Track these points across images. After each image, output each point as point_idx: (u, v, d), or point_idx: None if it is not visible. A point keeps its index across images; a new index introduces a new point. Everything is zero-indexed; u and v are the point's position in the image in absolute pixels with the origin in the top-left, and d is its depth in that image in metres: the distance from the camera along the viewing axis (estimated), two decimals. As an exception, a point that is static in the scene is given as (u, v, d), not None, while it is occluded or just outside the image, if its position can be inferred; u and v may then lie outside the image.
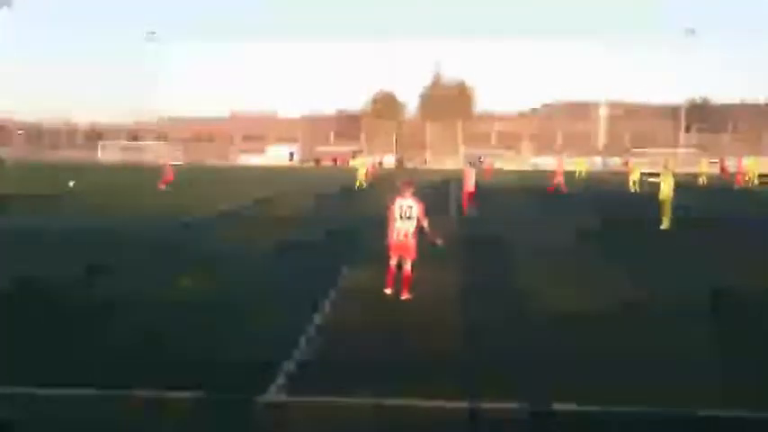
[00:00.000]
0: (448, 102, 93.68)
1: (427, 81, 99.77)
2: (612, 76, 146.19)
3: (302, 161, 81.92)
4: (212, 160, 77.74)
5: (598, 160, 71.25)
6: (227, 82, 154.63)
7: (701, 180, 46.38)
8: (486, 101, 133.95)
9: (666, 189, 20.41)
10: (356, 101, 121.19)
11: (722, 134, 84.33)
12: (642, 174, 41.39)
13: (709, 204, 30.57)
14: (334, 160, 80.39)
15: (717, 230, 21.47)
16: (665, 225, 20.17)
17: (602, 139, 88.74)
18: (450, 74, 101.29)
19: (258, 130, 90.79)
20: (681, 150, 77.52)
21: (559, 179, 38.13)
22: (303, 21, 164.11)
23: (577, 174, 54.46)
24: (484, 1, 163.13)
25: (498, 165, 71.54)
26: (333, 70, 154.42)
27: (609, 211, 26.73)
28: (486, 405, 6.85)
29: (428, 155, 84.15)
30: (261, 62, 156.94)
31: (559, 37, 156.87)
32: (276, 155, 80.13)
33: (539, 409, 6.77)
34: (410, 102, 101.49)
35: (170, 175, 36.96)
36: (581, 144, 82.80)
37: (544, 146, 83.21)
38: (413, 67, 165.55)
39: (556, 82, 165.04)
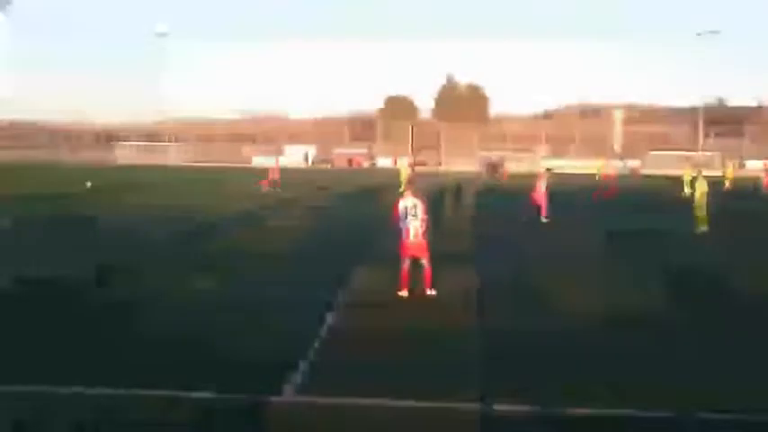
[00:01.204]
0: (462, 104, 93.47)
1: (441, 83, 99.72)
2: (627, 78, 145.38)
3: (318, 162, 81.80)
4: (227, 161, 77.88)
5: (617, 163, 70.43)
6: (239, 82, 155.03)
7: (726, 184, 45.32)
8: (500, 103, 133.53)
9: (701, 193, 20.45)
10: (369, 103, 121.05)
11: (740, 137, 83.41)
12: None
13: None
14: (350, 161, 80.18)
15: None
16: (702, 229, 20.15)
17: (618, 142, 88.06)
18: (465, 76, 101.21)
19: (271, 132, 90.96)
20: (699, 153, 76.66)
21: (610, 184, 36.76)
22: (316, 22, 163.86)
23: (597, 176, 53.81)
24: (498, 3, 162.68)
25: (513, 167, 71.01)
26: (346, 72, 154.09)
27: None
28: (499, 407, 6.83)
29: (442, 157, 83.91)
30: (273, 63, 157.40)
31: (574, 39, 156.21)
32: (292, 156, 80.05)
33: (551, 413, 6.74)
34: (424, 104, 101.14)
35: (276, 175, 37.09)
36: (596, 146, 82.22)
37: (559, 148, 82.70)
38: (427, 69, 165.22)
39: (570, 84, 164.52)
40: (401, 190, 35.64)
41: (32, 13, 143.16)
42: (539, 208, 22.88)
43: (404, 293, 11.12)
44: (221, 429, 6.54)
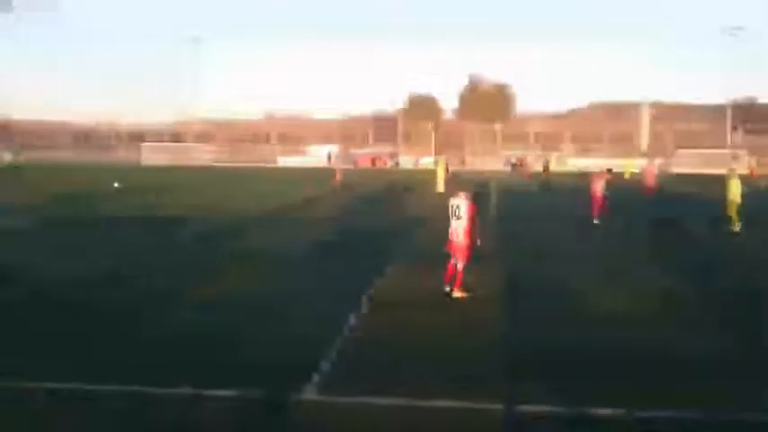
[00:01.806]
0: (486, 103, 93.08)
1: (465, 82, 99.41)
2: (653, 76, 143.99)
3: (341, 162, 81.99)
4: (252, 161, 78.40)
5: (643, 162, 69.56)
6: (264, 83, 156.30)
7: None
8: (524, 102, 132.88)
9: (735, 192, 20.17)
10: (393, 102, 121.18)
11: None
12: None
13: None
14: (373, 161, 79.95)
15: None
16: (736, 228, 19.85)
17: (644, 140, 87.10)
18: (489, 75, 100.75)
19: (295, 132, 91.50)
20: (727, 151, 75.50)
21: (651, 183, 36.09)
22: (341, 22, 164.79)
23: (627, 176, 53.15)
24: (522, 2, 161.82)
25: (538, 167, 70.59)
26: (370, 71, 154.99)
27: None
28: (523, 408, 6.75)
29: (467, 156, 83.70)
30: (298, 63, 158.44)
31: (598, 37, 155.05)
32: (317, 156, 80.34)
33: (575, 414, 6.65)
34: (448, 103, 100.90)
35: (340, 175, 40.58)
36: (623, 145, 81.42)
37: (585, 147, 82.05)
38: (450, 68, 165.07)
39: (595, 83, 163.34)
40: (438, 189, 34.94)
41: (60, 16, 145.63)
42: (601, 209, 21.95)
43: (458, 294, 11.01)
44: (245, 428, 6.54)
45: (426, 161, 38.11)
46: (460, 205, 11.00)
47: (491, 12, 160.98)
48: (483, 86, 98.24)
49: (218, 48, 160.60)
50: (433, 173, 40.61)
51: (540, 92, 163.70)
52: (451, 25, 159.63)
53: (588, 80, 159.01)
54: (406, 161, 79.38)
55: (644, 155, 76.51)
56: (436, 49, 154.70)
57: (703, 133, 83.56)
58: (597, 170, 24.56)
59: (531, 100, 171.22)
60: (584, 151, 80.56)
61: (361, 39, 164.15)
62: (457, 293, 10.99)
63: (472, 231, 11.04)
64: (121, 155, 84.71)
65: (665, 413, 6.60)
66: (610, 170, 25.01)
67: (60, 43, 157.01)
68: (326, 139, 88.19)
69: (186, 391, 7.02)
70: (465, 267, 11.04)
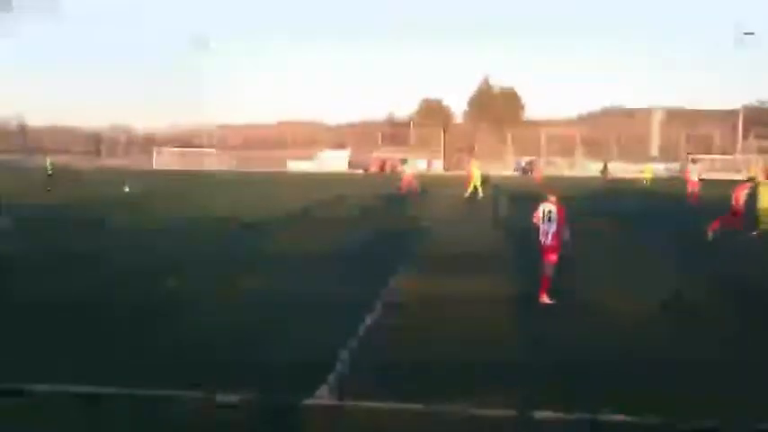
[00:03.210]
0: (496, 107, 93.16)
1: (475, 87, 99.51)
2: (663, 81, 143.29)
3: (353, 167, 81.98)
4: (265, 167, 78.55)
5: (659, 167, 69.27)
6: (276, 88, 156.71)
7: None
8: (535, 107, 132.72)
9: (765, 199, 19.78)
10: (405, 107, 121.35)
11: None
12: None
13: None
14: (382, 167, 79.18)
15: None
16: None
17: (655, 145, 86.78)
18: (499, 79, 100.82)
19: (307, 137, 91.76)
20: (739, 156, 75.19)
21: (694, 188, 33.94)
22: (352, 26, 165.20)
23: (646, 181, 52.96)
24: (532, 6, 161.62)
25: (550, 171, 70.47)
26: (382, 76, 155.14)
27: None
28: (542, 414, 6.79)
29: (473, 161, 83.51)
30: (310, 68, 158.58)
31: (608, 42, 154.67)
32: (328, 161, 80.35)
33: (593, 419, 6.69)
34: (458, 107, 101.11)
35: (411, 179, 39.75)
36: (635, 150, 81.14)
37: (595, 152, 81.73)
38: (461, 72, 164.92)
39: (605, 88, 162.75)
40: (470, 193, 34.79)
41: (70, 18, 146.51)
42: (737, 221, 19.57)
43: (545, 300, 11.21)
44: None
45: (476, 165, 37.87)
46: (552, 209, 11.26)
47: (502, 16, 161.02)
48: (493, 91, 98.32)
49: (232, 52, 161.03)
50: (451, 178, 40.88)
51: (552, 97, 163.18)
52: (463, 30, 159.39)
53: (598, 85, 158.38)
54: (419, 165, 79.17)
55: (654, 159, 76.19)
56: (447, 54, 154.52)
57: (714, 138, 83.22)
58: (743, 179, 22.46)
59: (542, 105, 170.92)
60: (593, 156, 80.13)
61: (372, 44, 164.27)
62: (545, 299, 11.17)
63: (561, 236, 11.31)
64: (135, 160, 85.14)
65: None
66: (752, 179, 21.76)
67: (71, 46, 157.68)
68: (338, 144, 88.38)
69: (197, 394, 7.13)
70: (551, 272, 11.25)
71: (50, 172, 47.25)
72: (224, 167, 78.70)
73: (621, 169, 68.94)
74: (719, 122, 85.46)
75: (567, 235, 11.41)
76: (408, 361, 8.31)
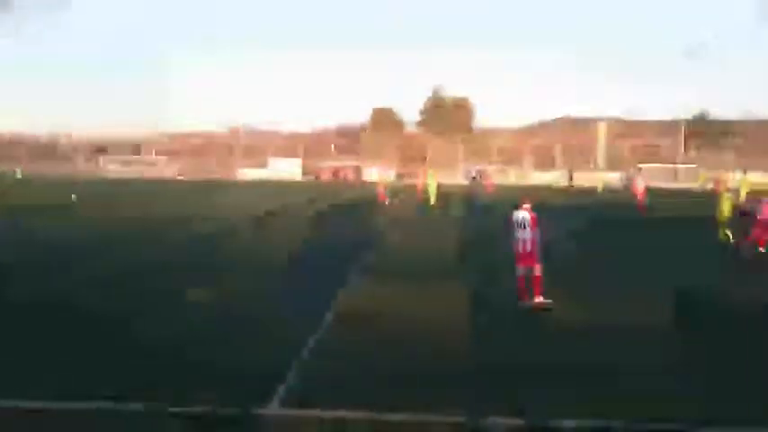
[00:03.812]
0: (448, 116, 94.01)
1: (427, 95, 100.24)
2: (611, 92, 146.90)
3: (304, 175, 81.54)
4: (214, 174, 77.50)
5: (612, 176, 70.90)
6: (227, 96, 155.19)
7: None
8: (486, 116, 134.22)
9: (727, 208, 20.56)
10: (357, 115, 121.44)
11: (722, 149, 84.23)
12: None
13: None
14: (335, 174, 79.28)
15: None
16: (726, 238, 20.34)
17: (602, 155, 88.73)
18: (451, 88, 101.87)
19: (259, 144, 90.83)
20: (681, 165, 77.63)
21: (640, 197, 35.60)
22: (304, 35, 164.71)
23: (600, 190, 54.12)
24: (484, 16, 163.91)
25: (500, 180, 71.32)
26: (334, 84, 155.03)
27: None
28: (492, 421, 6.90)
29: (426, 170, 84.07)
30: (261, 76, 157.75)
31: (558, 53, 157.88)
32: (278, 169, 79.75)
33: (540, 426, 6.83)
34: (410, 116, 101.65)
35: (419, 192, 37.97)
36: (582, 159, 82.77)
37: (545, 162, 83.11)
38: (413, 80, 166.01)
39: (555, 98, 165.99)
40: (432, 203, 35.46)
41: (24, 23, 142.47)
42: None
43: (539, 299, 11.66)
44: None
45: (431, 174, 38.34)
46: (526, 217, 11.78)
47: (453, 26, 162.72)
48: (445, 99, 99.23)
49: (181, 58, 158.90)
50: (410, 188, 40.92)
51: (502, 106, 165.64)
52: (414, 39, 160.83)
53: (547, 95, 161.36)
54: (370, 174, 79.21)
55: (601, 169, 77.92)
56: (399, 63, 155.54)
57: (658, 148, 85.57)
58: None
59: (494, 114, 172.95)
60: (542, 165, 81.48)
61: (324, 52, 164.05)
62: (539, 299, 11.61)
63: (537, 241, 11.83)
64: (80, 167, 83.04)
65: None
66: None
67: (12, 50, 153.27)
68: (290, 152, 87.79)
69: (145, 407, 7.05)
70: (541, 273, 11.73)
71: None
72: (172, 175, 77.43)
73: (574, 178, 70.36)
74: (663, 133, 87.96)
75: (539, 241, 11.91)
76: (359, 371, 8.35)
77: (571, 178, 59.91)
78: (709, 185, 23.61)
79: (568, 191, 55.25)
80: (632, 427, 6.75)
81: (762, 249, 18.65)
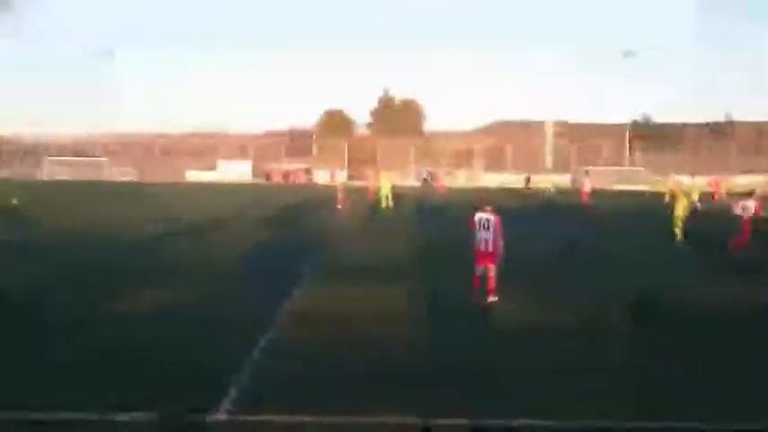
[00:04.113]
0: (398, 118, 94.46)
1: (378, 98, 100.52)
2: (560, 94, 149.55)
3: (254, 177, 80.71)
4: (163, 177, 76.05)
5: (562, 178, 72.21)
6: (176, 97, 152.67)
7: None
8: (436, 118, 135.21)
9: (682, 207, 21.63)
10: (307, 117, 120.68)
11: (665, 152, 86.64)
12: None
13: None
14: (286, 176, 78.77)
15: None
16: (679, 238, 21.32)
17: (549, 157, 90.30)
18: (401, 90, 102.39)
19: (208, 147, 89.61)
20: (625, 168, 79.68)
21: (587, 199, 37.70)
22: (253, 35, 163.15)
23: (548, 191, 54.96)
24: (434, 18, 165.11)
25: (450, 183, 71.98)
26: (285, 86, 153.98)
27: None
28: (441, 421, 6.94)
29: (378, 172, 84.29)
30: (211, 77, 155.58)
31: (507, 55, 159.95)
32: (228, 171, 78.81)
33: (494, 426, 6.90)
34: (361, 118, 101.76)
35: (371, 194, 36.64)
36: (530, 161, 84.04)
37: (494, 164, 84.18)
38: (363, 83, 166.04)
39: (505, 101, 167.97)
40: (386, 204, 35.33)
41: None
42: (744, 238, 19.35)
43: (492, 299, 12.09)
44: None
45: (387, 175, 38.35)
46: (489, 219, 12.14)
47: (402, 28, 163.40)
48: (395, 102, 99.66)
49: (130, 59, 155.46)
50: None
51: (452, 109, 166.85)
52: (364, 40, 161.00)
53: (495, 98, 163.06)
54: (322, 176, 79.00)
55: (549, 171, 79.33)
56: (349, 64, 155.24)
57: (603, 151, 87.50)
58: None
59: (444, 117, 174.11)
60: (491, 167, 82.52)
61: (273, 53, 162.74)
62: (492, 298, 12.04)
63: (498, 243, 12.18)
64: (18, 170, 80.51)
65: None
66: (752, 192, 21.17)
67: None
68: (240, 154, 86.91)
69: (94, 415, 6.89)
70: (496, 273, 12.17)
71: None
72: (120, 178, 75.81)
73: (518, 180, 71.30)
74: (608, 136, 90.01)
75: (501, 242, 12.26)
76: (310, 373, 8.30)
77: (528, 181, 60.82)
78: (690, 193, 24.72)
79: (524, 193, 55.95)
80: (630, 425, 6.96)
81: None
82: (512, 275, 13.63)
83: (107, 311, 11.41)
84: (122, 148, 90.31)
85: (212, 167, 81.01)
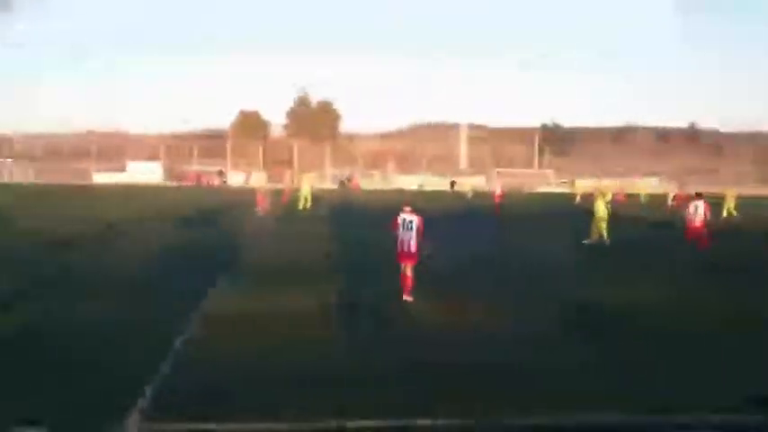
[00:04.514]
0: (314, 121, 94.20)
1: (294, 99, 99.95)
2: (473, 98, 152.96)
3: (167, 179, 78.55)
4: (68, 179, 72.89)
5: (480, 180, 73.69)
6: (84, 97, 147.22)
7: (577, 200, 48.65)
8: (352, 121, 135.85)
9: (602, 209, 22.18)
10: (221, 119, 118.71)
11: (572, 156, 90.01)
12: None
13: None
14: (198, 178, 76.84)
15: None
16: (598, 240, 21.81)
17: (463, 160, 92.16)
18: (317, 93, 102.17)
19: (116, 148, 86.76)
20: (535, 170, 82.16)
21: (498, 200, 39.63)
22: (166, 36, 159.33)
23: (469, 195, 55.95)
24: (345, 21, 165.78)
25: (366, 185, 72.37)
26: (197, 87, 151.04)
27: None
28: (360, 423, 6.87)
29: (296, 174, 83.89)
30: (119, 76, 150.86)
31: (423, 60, 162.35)
32: (138, 172, 76.24)
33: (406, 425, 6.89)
34: (276, 120, 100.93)
35: (265, 198, 34.57)
36: (445, 164, 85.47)
37: (409, 166, 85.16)
38: (279, 85, 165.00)
39: (421, 104, 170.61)
40: (303, 206, 35.19)
41: None
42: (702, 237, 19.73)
43: (407, 298, 12.20)
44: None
45: (307, 178, 38.30)
46: (412, 219, 12.32)
47: (319, 30, 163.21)
48: (311, 104, 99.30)
49: (34, 55, 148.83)
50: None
51: (368, 111, 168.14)
52: (280, 42, 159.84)
53: (410, 101, 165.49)
54: (236, 179, 77.79)
55: (462, 174, 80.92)
56: (266, 66, 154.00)
57: (515, 154, 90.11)
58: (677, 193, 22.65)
59: (360, 119, 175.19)
60: (406, 170, 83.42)
61: (187, 53, 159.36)
62: (407, 297, 12.17)
63: (420, 242, 12.31)
64: None
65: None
66: (699, 194, 21.58)
67: None
68: (151, 155, 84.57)
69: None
70: (412, 274, 12.30)
71: None
72: (22, 179, 72.17)
73: (436, 183, 72.42)
74: (519, 140, 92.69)
75: (423, 241, 12.37)
76: (224, 379, 8.06)
77: (453, 184, 61.92)
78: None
79: (445, 195, 56.78)
80: (629, 421, 7.06)
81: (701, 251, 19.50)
82: (431, 276, 13.73)
83: (8, 322, 10.74)
84: (25, 147, 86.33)
85: (121, 169, 78.25)
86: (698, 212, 20.16)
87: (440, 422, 6.93)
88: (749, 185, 69.53)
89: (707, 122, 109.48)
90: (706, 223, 20.14)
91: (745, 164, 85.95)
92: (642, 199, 50.95)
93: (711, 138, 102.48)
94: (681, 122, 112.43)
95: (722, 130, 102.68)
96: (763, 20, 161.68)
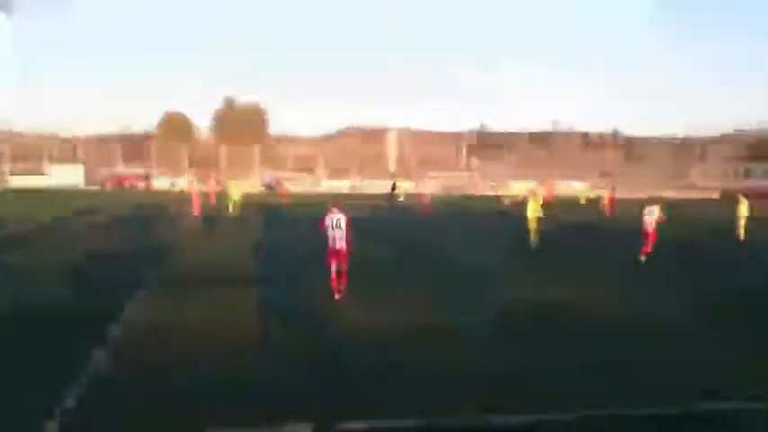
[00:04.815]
0: (242, 123, 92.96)
1: (220, 102, 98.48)
2: (403, 102, 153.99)
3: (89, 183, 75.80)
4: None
5: (410, 184, 74.18)
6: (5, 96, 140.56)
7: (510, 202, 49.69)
8: (281, 124, 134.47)
9: (534, 209, 22.95)
10: (145, 121, 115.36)
11: (499, 160, 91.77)
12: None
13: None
14: (121, 182, 74.33)
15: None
16: (533, 241, 22.56)
17: (392, 163, 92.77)
18: (245, 94, 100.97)
19: (34, 150, 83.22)
20: (464, 174, 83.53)
21: (426, 201, 42.65)
22: (88, 34, 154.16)
23: (401, 198, 56.19)
24: (274, 22, 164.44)
25: (295, 188, 71.84)
26: (120, 89, 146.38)
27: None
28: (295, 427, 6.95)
29: (222, 177, 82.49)
30: (38, 75, 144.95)
31: (349, 63, 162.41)
32: (58, 176, 73.27)
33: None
34: (203, 123, 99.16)
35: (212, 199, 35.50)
36: (374, 168, 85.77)
37: (339, 169, 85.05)
38: (205, 87, 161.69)
39: (350, 107, 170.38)
40: (232, 210, 34.92)
41: None
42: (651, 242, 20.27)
43: (338, 297, 12.55)
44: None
45: (235, 183, 37.86)
46: (341, 218, 12.69)
47: (246, 31, 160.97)
48: (238, 106, 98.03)
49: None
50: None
51: (298, 115, 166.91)
52: (207, 43, 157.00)
53: (339, 104, 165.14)
54: (162, 182, 75.78)
55: (392, 177, 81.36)
56: (192, 67, 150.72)
57: (443, 157, 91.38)
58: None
59: (289, 123, 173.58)
60: (335, 174, 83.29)
61: (113, 56, 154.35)
62: (338, 296, 12.55)
63: (348, 240, 12.72)
64: None
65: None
66: (655, 199, 22.24)
67: None
68: (71, 157, 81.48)
69: None
70: (347, 270, 12.76)
71: None
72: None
73: (368, 185, 72.70)
74: (447, 143, 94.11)
75: (349, 239, 12.80)
76: (148, 386, 7.97)
77: (394, 187, 61.88)
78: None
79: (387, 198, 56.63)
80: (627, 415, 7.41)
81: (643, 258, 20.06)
82: (362, 277, 13.92)
83: None
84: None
85: (39, 172, 75.01)
86: (653, 216, 20.62)
87: (438, 422, 7.09)
88: (669, 188, 72.41)
89: (630, 128, 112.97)
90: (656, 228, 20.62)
91: (665, 167, 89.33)
92: (582, 201, 52.71)
93: (634, 142, 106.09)
94: (604, 127, 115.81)
95: (643, 134, 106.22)
96: (683, 30, 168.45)
